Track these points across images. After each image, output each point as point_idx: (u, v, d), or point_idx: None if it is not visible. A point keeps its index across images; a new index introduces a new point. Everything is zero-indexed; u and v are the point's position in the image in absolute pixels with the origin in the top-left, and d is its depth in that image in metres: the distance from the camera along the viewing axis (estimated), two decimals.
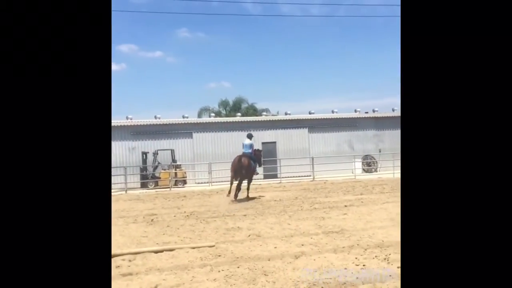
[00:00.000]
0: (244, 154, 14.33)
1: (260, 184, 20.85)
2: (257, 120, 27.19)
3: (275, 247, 7.27)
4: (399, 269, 5.71)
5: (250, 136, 14.93)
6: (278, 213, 11.20)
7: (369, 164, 26.95)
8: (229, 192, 14.51)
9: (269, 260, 6.42)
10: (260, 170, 15.99)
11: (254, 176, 15.33)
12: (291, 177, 23.58)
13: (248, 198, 14.46)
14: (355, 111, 29.17)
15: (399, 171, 23.30)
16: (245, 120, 26.82)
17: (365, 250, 6.82)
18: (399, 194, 14.24)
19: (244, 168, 13.99)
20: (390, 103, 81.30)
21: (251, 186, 15.39)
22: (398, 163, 24.30)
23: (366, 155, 27.05)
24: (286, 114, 28.60)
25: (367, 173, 25.70)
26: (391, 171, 23.18)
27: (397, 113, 28.97)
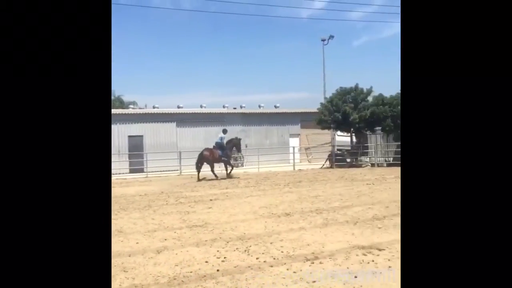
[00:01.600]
0: (210, 147, 19.11)
1: (125, 179, 20.28)
2: (123, 113, 26.38)
3: (137, 243, 7.12)
4: (260, 261, 5.92)
5: (224, 131, 19.58)
6: (142, 208, 10.99)
7: (235, 158, 27.52)
8: (198, 179, 18.40)
9: (129, 256, 6.27)
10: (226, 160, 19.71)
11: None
12: (158, 171, 23.26)
13: (228, 176, 18.85)
14: (223, 106, 29.60)
15: (264, 165, 24.04)
16: (112, 113, 25.83)
17: (227, 242, 6.95)
18: (263, 187, 14.76)
19: (205, 159, 18.59)
20: (257, 99, 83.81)
21: (230, 168, 19.49)
22: (263, 157, 25.17)
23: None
24: (154, 107, 28.12)
25: (234, 168, 26.21)
26: (256, 166, 23.91)
27: (263, 109, 29.95)
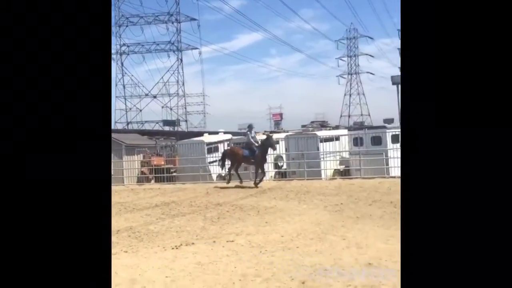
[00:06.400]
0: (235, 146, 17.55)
1: None
2: None
3: None
4: None
5: (250, 127, 16.15)
6: None
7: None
8: (228, 181, 15.75)
9: None
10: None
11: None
12: None
13: (255, 185, 14.90)
14: None
15: None
16: None
17: None
18: None
19: (227, 155, 16.02)
20: None
21: (261, 176, 15.47)
22: None
23: None
24: None
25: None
26: None
27: None
